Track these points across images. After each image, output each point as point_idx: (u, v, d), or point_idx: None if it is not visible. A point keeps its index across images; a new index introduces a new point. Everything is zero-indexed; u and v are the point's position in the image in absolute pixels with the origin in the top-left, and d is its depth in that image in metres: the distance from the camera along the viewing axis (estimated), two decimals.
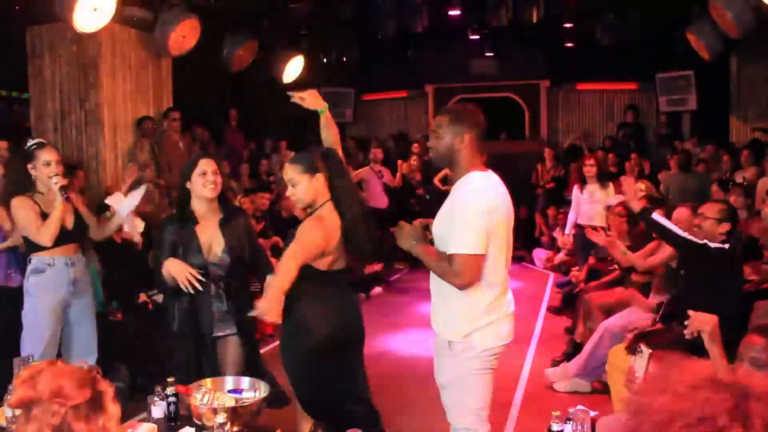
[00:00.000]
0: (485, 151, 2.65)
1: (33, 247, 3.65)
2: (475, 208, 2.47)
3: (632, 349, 3.25)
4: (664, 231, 3.89)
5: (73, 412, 1.49)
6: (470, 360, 2.57)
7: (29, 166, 3.63)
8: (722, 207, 3.77)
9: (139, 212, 4.88)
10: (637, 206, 4.01)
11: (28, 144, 3.70)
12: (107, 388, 1.58)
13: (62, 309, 3.73)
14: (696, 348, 2.81)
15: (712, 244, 3.66)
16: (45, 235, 3.57)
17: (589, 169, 6.76)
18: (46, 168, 3.62)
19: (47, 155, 3.64)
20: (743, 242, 5.22)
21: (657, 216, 3.90)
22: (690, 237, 3.81)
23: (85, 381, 1.53)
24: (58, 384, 1.52)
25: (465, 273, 2.46)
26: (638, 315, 4.45)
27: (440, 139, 2.59)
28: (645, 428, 0.80)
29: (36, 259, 3.66)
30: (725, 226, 3.65)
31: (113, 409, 1.57)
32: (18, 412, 1.59)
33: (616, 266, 5.59)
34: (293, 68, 9.00)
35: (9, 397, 2.67)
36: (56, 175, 3.61)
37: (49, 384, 1.52)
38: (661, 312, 4.17)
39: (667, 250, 4.28)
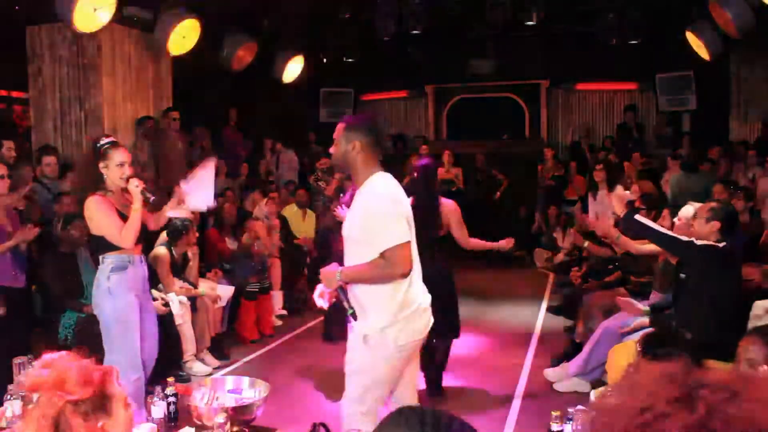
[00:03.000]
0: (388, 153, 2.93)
1: (107, 246, 3.61)
2: (388, 203, 2.65)
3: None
4: (647, 231, 3.85)
5: (72, 407, 1.49)
6: (383, 354, 2.68)
7: (101, 164, 3.58)
8: (711, 206, 3.77)
9: None
10: (620, 212, 4.01)
11: (101, 142, 3.66)
12: (118, 393, 1.57)
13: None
14: (696, 349, 2.81)
15: (699, 242, 3.64)
16: (128, 237, 3.57)
17: (598, 173, 6.94)
18: (119, 168, 3.60)
19: (121, 156, 3.63)
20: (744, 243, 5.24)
21: (639, 217, 3.89)
22: (674, 235, 3.80)
23: (91, 379, 1.53)
24: (62, 376, 1.52)
25: (401, 262, 2.61)
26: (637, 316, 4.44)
27: (337, 147, 2.79)
28: (598, 429, 0.80)
29: (115, 258, 3.61)
30: (715, 225, 3.64)
31: (121, 414, 1.55)
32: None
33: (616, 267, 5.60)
34: (293, 68, 9.00)
35: (8, 396, 2.68)
36: (132, 176, 3.63)
37: (55, 374, 1.53)
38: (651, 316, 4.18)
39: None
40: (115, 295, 3.59)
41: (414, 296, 2.74)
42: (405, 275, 2.65)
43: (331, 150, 2.84)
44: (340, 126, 2.81)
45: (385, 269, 2.62)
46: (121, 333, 3.56)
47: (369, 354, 2.69)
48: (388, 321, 2.66)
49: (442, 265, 4.42)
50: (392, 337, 2.66)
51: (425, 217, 4.26)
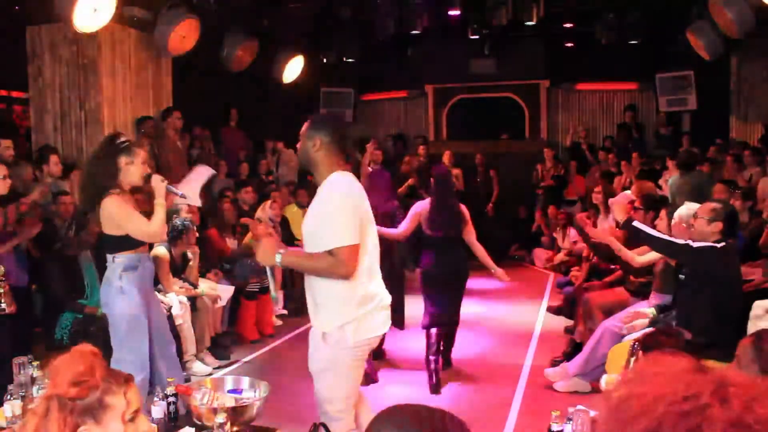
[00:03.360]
0: (347, 153, 2.88)
1: (119, 246, 3.56)
2: (343, 203, 2.66)
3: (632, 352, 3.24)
4: (644, 237, 3.91)
5: (58, 401, 1.50)
6: (343, 351, 2.69)
7: (125, 160, 3.53)
8: (713, 207, 3.76)
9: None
10: (621, 219, 4.09)
11: (122, 139, 3.64)
12: (118, 405, 1.56)
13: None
14: (696, 349, 2.81)
15: (695, 244, 3.64)
16: (158, 231, 3.56)
17: (596, 196, 7.08)
18: (143, 166, 3.59)
19: (143, 153, 3.63)
20: (745, 243, 5.24)
21: (637, 223, 3.96)
22: (670, 238, 3.82)
23: (85, 382, 1.53)
24: (59, 369, 1.53)
25: (348, 263, 2.61)
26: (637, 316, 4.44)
27: (301, 144, 2.83)
28: (624, 417, 0.81)
29: (126, 258, 3.57)
30: (717, 226, 3.63)
31: (115, 427, 1.55)
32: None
33: (616, 266, 5.59)
34: (293, 68, 9.00)
35: (8, 396, 2.68)
36: (153, 173, 3.64)
37: (57, 365, 1.54)
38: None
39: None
40: (127, 293, 3.57)
41: (373, 294, 2.75)
42: (347, 276, 2.64)
43: (297, 147, 2.87)
44: (305, 124, 2.83)
45: (328, 266, 2.63)
46: (130, 331, 3.55)
47: (329, 352, 2.71)
48: (346, 318, 2.67)
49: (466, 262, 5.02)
50: (350, 334, 2.67)
51: (450, 218, 4.86)
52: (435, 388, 4.73)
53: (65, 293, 4.67)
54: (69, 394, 1.50)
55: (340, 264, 2.60)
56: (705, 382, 0.79)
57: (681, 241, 3.75)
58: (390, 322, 2.86)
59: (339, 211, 2.64)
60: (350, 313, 2.68)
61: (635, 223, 3.95)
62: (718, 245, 3.60)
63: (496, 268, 5.02)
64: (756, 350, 1.88)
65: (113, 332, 3.59)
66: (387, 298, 2.83)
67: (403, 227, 4.89)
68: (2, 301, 3.78)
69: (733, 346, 2.75)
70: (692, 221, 3.79)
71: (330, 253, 2.61)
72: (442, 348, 5.03)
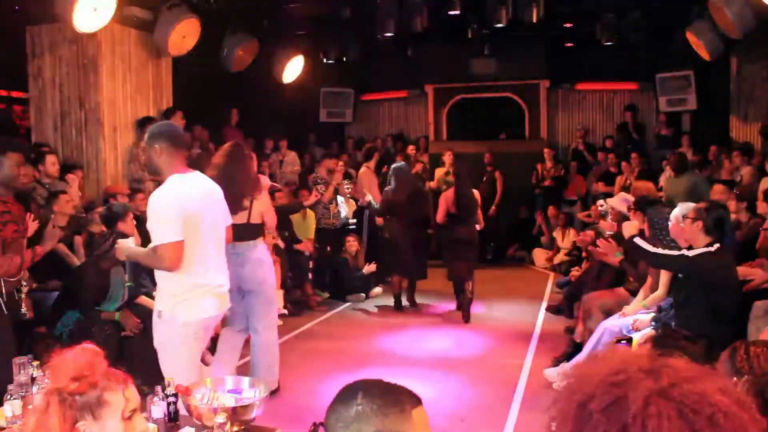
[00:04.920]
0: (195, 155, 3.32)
1: (259, 233, 4.35)
2: (166, 204, 2.98)
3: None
4: (643, 253, 3.97)
5: (58, 395, 1.51)
6: (174, 329, 3.06)
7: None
8: (698, 207, 3.81)
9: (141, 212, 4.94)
10: (627, 236, 4.17)
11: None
12: (116, 403, 1.57)
13: None
14: (695, 349, 2.82)
15: (690, 253, 3.69)
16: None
17: (584, 239, 7.18)
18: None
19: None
20: (742, 243, 5.24)
21: (638, 240, 4.01)
22: (666, 252, 3.88)
23: (85, 377, 1.54)
24: (61, 364, 1.55)
25: (167, 258, 2.96)
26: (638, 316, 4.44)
27: (146, 156, 3.19)
28: (567, 394, 0.89)
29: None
30: (698, 225, 3.68)
31: (113, 425, 1.56)
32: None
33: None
34: (293, 68, 9.00)
35: (8, 396, 2.68)
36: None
37: (60, 361, 1.56)
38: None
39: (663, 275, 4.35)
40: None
41: (203, 282, 3.09)
42: (170, 269, 3.00)
43: (143, 159, 3.27)
44: (145, 136, 3.19)
45: (153, 261, 3.07)
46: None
47: (164, 329, 3.09)
48: (177, 299, 3.05)
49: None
50: (180, 314, 3.03)
51: (468, 206, 6.75)
52: (466, 318, 6.61)
53: (92, 301, 4.62)
54: (69, 388, 1.52)
55: (161, 259, 2.98)
56: (641, 362, 0.87)
57: (676, 253, 3.81)
58: (223, 306, 3.23)
59: (161, 212, 2.97)
60: (180, 296, 3.05)
61: (636, 240, 4.01)
62: (712, 248, 3.62)
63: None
64: (731, 363, 1.89)
65: (268, 306, 4.45)
66: (219, 286, 3.18)
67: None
68: (22, 306, 3.78)
69: (727, 344, 2.81)
70: (682, 222, 3.85)
71: (154, 249, 2.98)
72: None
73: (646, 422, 0.80)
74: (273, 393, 4.12)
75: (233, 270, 4.03)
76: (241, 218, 4.20)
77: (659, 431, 0.80)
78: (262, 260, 4.42)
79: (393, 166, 7.35)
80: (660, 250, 3.92)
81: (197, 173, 3.18)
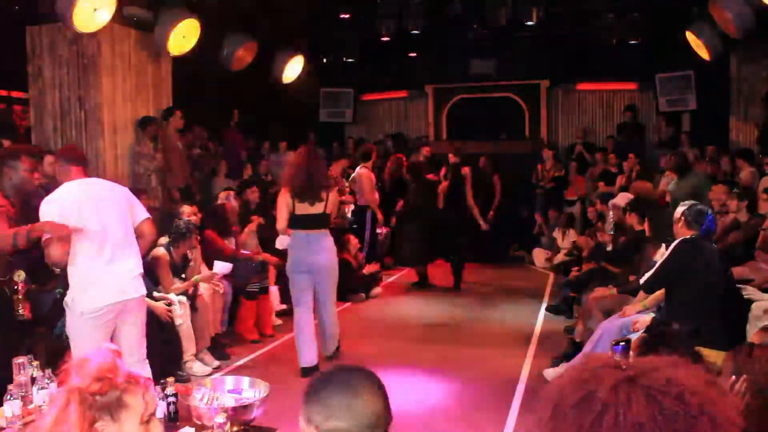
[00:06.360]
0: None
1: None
2: (46, 208, 3.39)
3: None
4: (640, 288, 4.31)
5: (79, 394, 1.52)
6: (74, 318, 3.45)
7: None
8: (680, 206, 4.11)
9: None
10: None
11: None
12: (137, 406, 1.58)
13: None
14: (685, 338, 2.83)
15: (669, 249, 4.00)
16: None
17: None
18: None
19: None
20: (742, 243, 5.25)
21: (646, 276, 4.21)
22: (654, 269, 4.12)
23: (107, 378, 1.55)
24: (83, 363, 1.56)
25: (49, 254, 3.37)
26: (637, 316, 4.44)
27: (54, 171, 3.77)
28: (544, 398, 0.93)
29: None
30: (680, 221, 4.00)
31: (132, 428, 1.57)
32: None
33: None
34: (293, 68, 8.99)
35: (8, 396, 2.68)
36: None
37: (82, 360, 1.58)
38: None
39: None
40: None
41: (94, 274, 3.42)
42: (53, 264, 3.55)
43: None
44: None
45: (46, 256, 3.44)
46: None
47: (69, 318, 3.50)
48: (74, 290, 3.45)
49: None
50: (78, 304, 3.41)
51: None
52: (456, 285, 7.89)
53: None
54: (91, 388, 1.52)
55: (46, 255, 3.41)
56: (609, 361, 0.91)
57: (657, 264, 4.10)
58: (122, 296, 3.47)
59: (42, 216, 3.37)
60: (76, 288, 3.44)
61: (645, 276, 4.22)
62: (688, 237, 3.95)
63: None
64: (735, 365, 1.92)
65: (335, 281, 5.18)
66: (118, 277, 3.46)
67: None
68: (20, 307, 3.77)
69: (717, 329, 3.18)
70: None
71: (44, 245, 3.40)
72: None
73: (617, 409, 0.84)
74: (336, 351, 5.34)
75: (307, 254, 4.95)
76: (318, 208, 4.92)
77: (630, 415, 0.83)
78: (332, 246, 5.13)
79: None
80: (647, 274, 4.16)
81: (93, 179, 3.64)
